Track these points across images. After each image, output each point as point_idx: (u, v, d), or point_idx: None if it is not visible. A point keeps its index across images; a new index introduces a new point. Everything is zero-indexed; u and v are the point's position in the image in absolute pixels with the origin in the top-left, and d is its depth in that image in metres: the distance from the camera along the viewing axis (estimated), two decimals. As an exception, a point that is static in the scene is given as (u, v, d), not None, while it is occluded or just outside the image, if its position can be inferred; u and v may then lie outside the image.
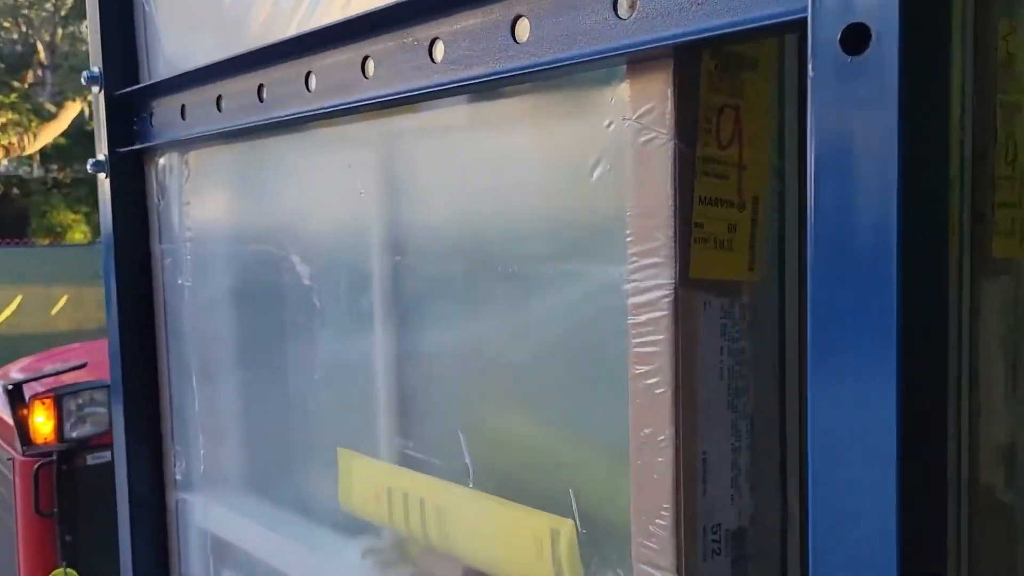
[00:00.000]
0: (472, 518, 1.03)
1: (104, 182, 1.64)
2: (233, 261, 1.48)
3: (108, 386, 3.16)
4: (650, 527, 0.83)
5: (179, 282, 1.59)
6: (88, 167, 1.62)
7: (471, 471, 1.04)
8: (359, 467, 1.22)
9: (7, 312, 12.35)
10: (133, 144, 1.59)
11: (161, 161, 1.60)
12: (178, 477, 1.67)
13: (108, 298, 1.67)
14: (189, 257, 1.56)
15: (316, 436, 1.34)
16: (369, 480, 1.20)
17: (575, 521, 0.91)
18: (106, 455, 3.27)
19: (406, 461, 1.15)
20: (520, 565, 0.98)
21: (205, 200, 1.53)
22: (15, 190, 18.38)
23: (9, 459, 3.26)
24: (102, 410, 3.20)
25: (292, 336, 1.34)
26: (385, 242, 1.17)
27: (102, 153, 1.62)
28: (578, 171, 0.88)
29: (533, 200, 0.96)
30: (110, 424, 3.21)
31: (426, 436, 1.12)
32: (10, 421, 3.16)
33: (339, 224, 1.25)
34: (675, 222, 0.78)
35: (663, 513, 0.81)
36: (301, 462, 1.40)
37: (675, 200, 0.78)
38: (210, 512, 1.59)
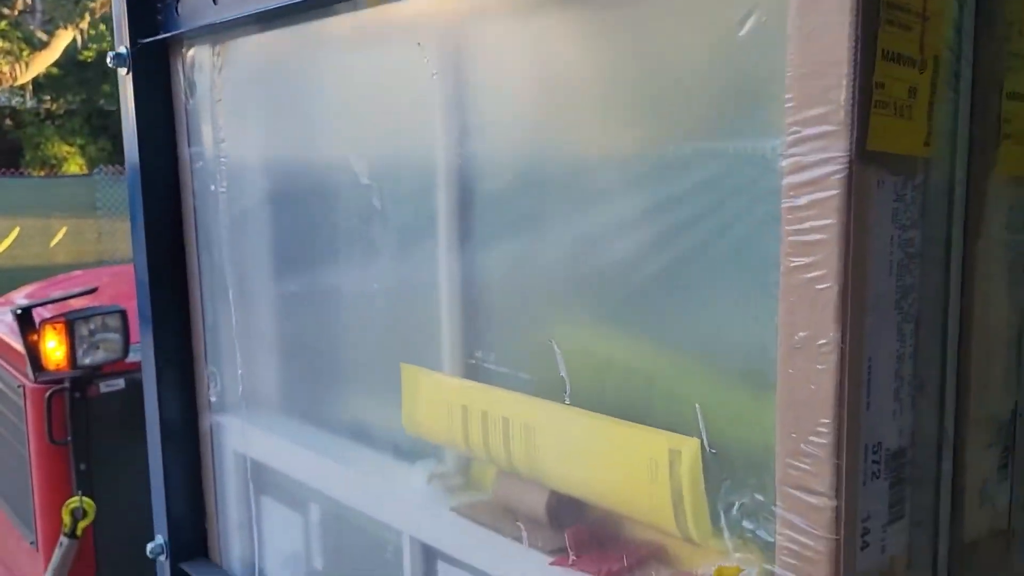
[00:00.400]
0: (569, 438, 0.92)
1: (125, 78, 1.49)
2: (275, 163, 1.35)
3: (121, 311, 3.05)
4: (802, 446, 0.71)
5: (211, 188, 1.46)
6: (108, 61, 1.47)
7: (567, 385, 0.92)
8: (427, 384, 1.10)
9: (6, 243, 12.22)
10: (157, 34, 1.44)
11: (189, 53, 1.45)
12: (212, 399, 1.55)
13: (133, 208, 1.54)
14: (223, 160, 1.42)
15: (374, 351, 1.22)
16: (439, 398, 1.08)
17: (702, 439, 0.80)
18: (120, 382, 3.17)
19: (483, 376, 1.03)
20: (628, 490, 0.87)
21: (241, 95, 1.38)
22: (8, 121, 18.09)
23: (20, 386, 3.16)
24: (115, 336, 3.09)
25: (346, 241, 1.21)
26: (464, 127, 1.03)
27: (122, 45, 1.47)
28: (722, 25, 0.74)
29: (659, 65, 0.82)
30: (123, 351, 3.11)
31: (509, 348, 1.01)
32: (20, 347, 3.05)
33: (406, 113, 1.11)
34: (854, 81, 0.65)
35: (821, 430, 0.70)
36: (355, 380, 1.28)
37: (855, 54, 0.65)
38: (249, 436, 1.48)
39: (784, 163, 0.70)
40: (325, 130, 1.24)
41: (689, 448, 0.80)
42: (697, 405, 0.80)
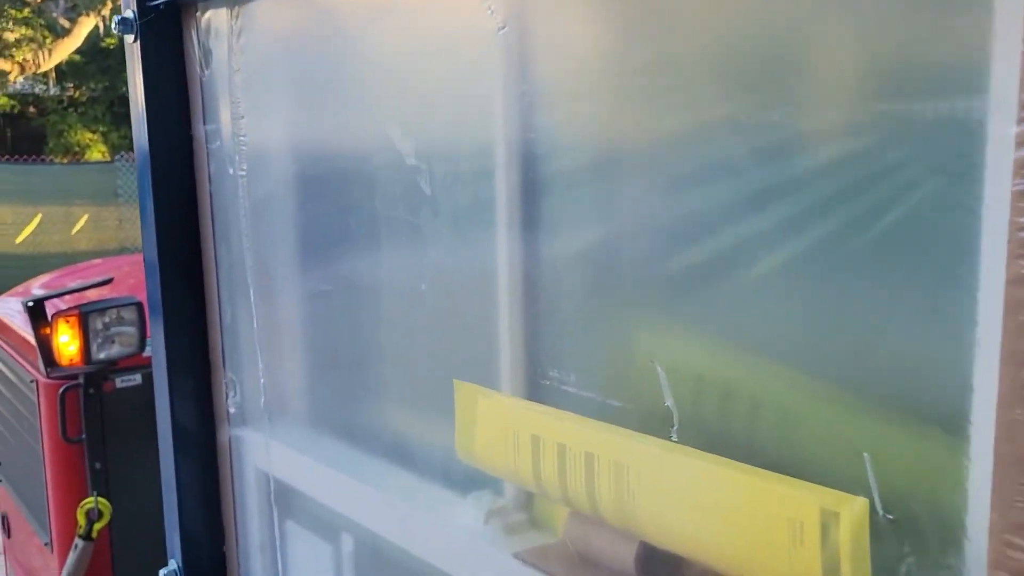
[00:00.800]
0: (675, 484, 0.73)
1: (132, 47, 1.31)
2: (303, 141, 1.16)
3: (137, 303, 2.89)
4: (1032, 519, 0.52)
5: (230, 171, 1.28)
6: (113, 27, 1.30)
7: (675, 418, 0.73)
8: (487, 407, 0.92)
9: (28, 230, 12.19)
10: (169, -5, 1.25)
11: (204, 17, 1.27)
12: (231, 410, 1.38)
13: (142, 194, 1.37)
14: (243, 139, 1.24)
15: (420, 363, 1.04)
16: (503, 424, 0.90)
17: (873, 499, 0.60)
18: (136, 378, 3.02)
19: (559, 401, 0.84)
20: (758, 557, 0.68)
21: (263, 64, 1.20)
22: (31, 108, 18.12)
23: (32, 381, 3.02)
24: (130, 329, 2.93)
25: (388, 233, 1.03)
26: (533, 95, 0.84)
27: (129, 9, 1.29)
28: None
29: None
30: (140, 345, 2.95)
31: (595, 368, 0.82)
32: (32, 341, 2.90)
33: (463, 79, 0.92)
34: None
35: (1063, 499, 0.50)
36: (396, 395, 1.10)
37: None
38: (273, 453, 1.31)
39: (1015, 131, 0.50)
40: (363, 102, 1.05)
41: (852, 510, 0.61)
42: (866, 454, 0.61)
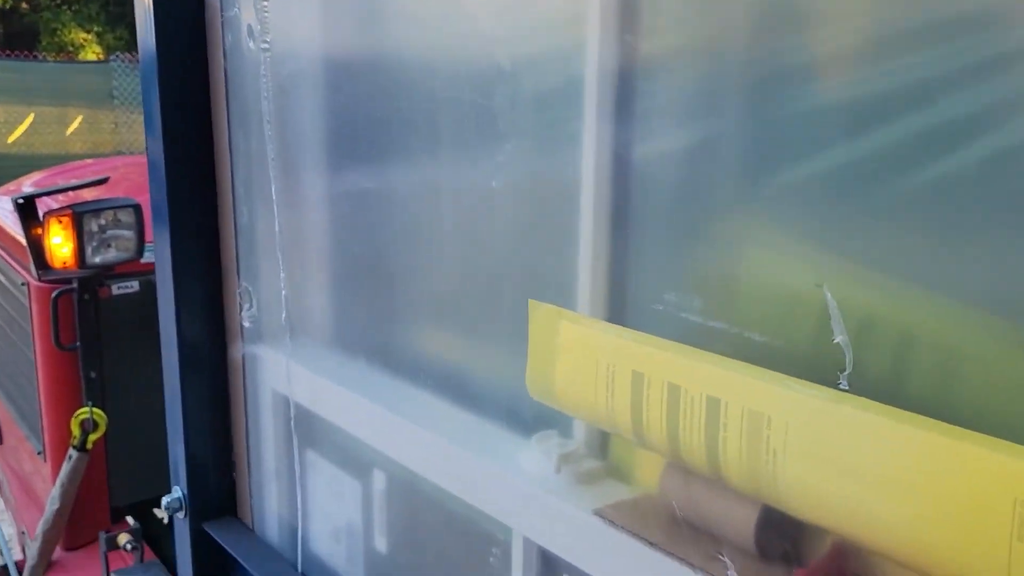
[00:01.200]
0: (843, 444, 0.57)
1: None
2: (340, 6, 0.97)
3: (135, 205, 2.71)
4: None
5: (250, 45, 1.09)
6: None
7: (847, 360, 0.56)
8: (574, 334, 0.75)
9: (20, 129, 11.87)
10: None
11: None
12: (246, 324, 1.22)
13: (145, 72, 1.18)
14: (266, 4, 1.05)
15: (484, 277, 0.87)
16: (593, 356, 0.73)
17: None
18: (133, 284, 2.87)
19: (677, 331, 0.68)
20: (961, 548, 0.52)
21: (294, -89, 1.00)
22: (23, 4, 17.58)
23: (23, 284, 2.86)
24: (128, 233, 2.76)
25: (451, 118, 0.84)
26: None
27: None
28: None
29: None
30: (137, 250, 2.78)
31: (728, 289, 0.65)
32: (22, 240, 2.72)
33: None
34: None
35: None
36: (448, 314, 0.93)
37: None
38: (294, 375, 1.15)
39: None
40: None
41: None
42: None
